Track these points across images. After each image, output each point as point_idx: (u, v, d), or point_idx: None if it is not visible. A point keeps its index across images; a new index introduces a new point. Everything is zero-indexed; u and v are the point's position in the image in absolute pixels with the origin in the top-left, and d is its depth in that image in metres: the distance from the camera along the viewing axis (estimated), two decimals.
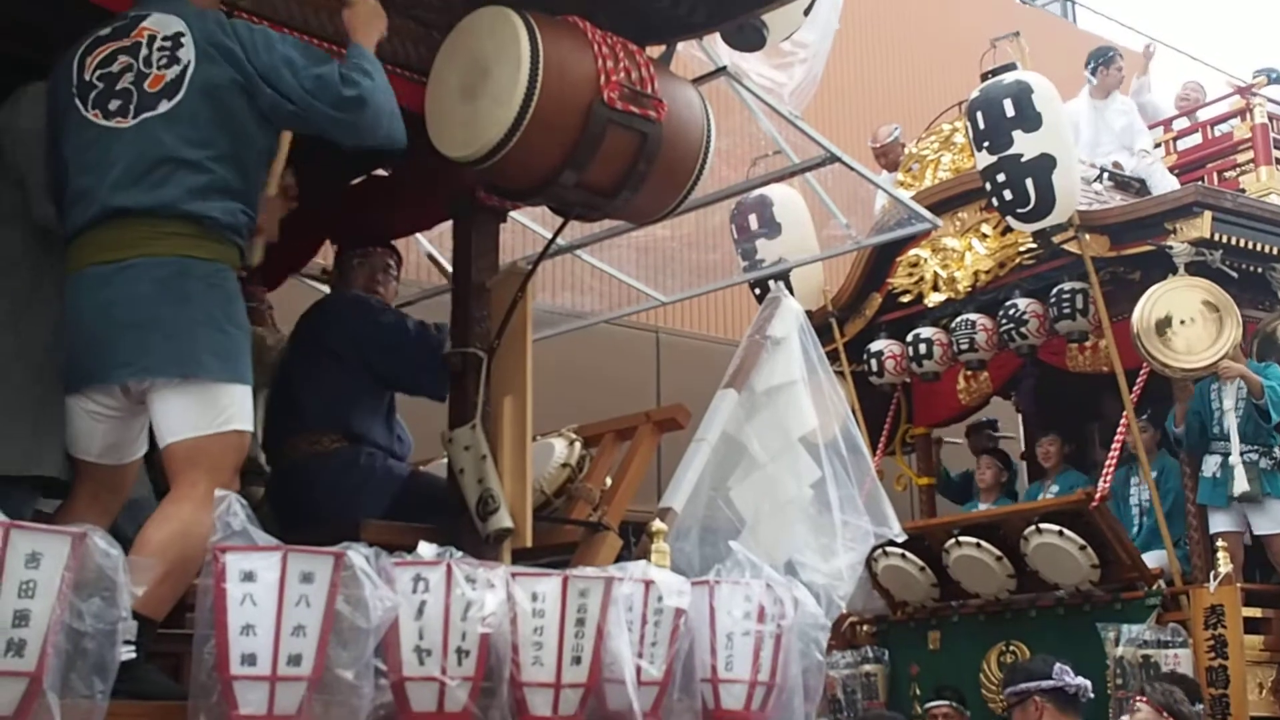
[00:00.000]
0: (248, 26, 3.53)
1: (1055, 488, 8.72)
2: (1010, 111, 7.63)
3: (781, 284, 5.74)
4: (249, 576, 2.80)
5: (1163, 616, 7.29)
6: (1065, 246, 7.95)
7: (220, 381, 3.28)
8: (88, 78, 3.40)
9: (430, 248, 6.48)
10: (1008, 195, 7.71)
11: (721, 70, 5.29)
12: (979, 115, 7.81)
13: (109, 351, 3.24)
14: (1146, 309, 7.51)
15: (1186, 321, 7.48)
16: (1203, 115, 10.06)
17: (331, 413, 4.66)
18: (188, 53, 3.38)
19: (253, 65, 3.42)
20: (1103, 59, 9.56)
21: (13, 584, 2.47)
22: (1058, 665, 5.49)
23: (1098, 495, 7.45)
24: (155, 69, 3.37)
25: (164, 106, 3.34)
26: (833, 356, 8.29)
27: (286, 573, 2.82)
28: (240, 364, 3.34)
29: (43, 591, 2.51)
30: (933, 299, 8.92)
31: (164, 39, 3.40)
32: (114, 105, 3.36)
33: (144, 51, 3.40)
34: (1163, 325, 7.48)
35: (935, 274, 8.91)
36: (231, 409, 3.29)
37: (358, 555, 2.96)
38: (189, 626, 3.04)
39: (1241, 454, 7.46)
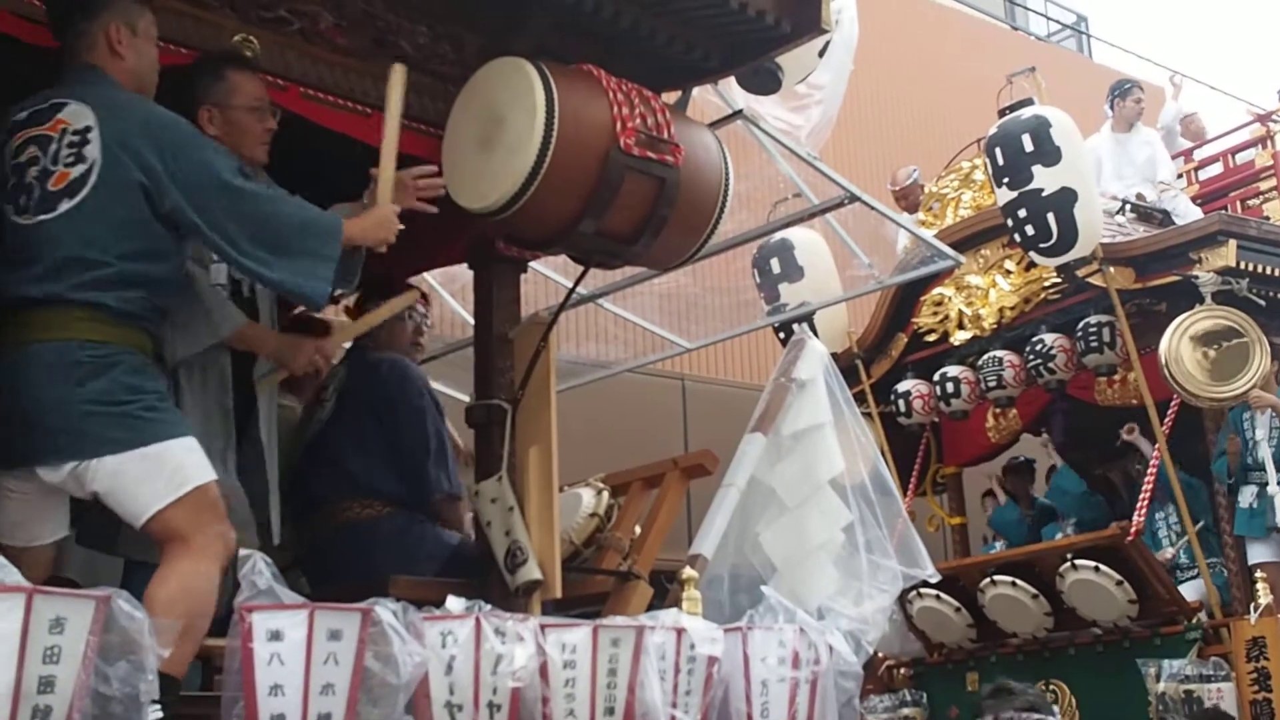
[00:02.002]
0: (171, 122, 3.43)
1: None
2: (1029, 146, 7.62)
3: (806, 326, 5.70)
4: (276, 635, 2.77)
5: (1204, 650, 7.19)
6: (1090, 280, 7.91)
7: (148, 445, 3.16)
8: (6, 170, 3.34)
9: (453, 301, 6.48)
10: (1030, 230, 7.68)
11: (738, 114, 5.28)
12: (998, 151, 7.80)
13: (16, 437, 3.17)
14: (1174, 340, 7.44)
15: (1215, 351, 7.41)
16: (1223, 144, 10.02)
17: (383, 478, 4.62)
18: (93, 150, 3.27)
19: (164, 166, 3.31)
20: (1119, 91, 9.58)
21: (37, 649, 2.45)
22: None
23: (1132, 529, 7.37)
24: (61, 166, 3.28)
25: (64, 206, 3.24)
26: (860, 398, 8.23)
27: (314, 630, 2.79)
28: (158, 424, 3.21)
29: (68, 657, 2.49)
30: (959, 337, 8.88)
31: (73, 133, 3.29)
32: (21, 200, 3.29)
33: (54, 146, 3.29)
34: (1191, 356, 7.41)
35: (960, 312, 8.87)
36: (181, 470, 3.18)
37: (385, 611, 2.93)
38: (218, 688, 3.01)
39: (1279, 483, 7.37)
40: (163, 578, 3.09)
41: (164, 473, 3.15)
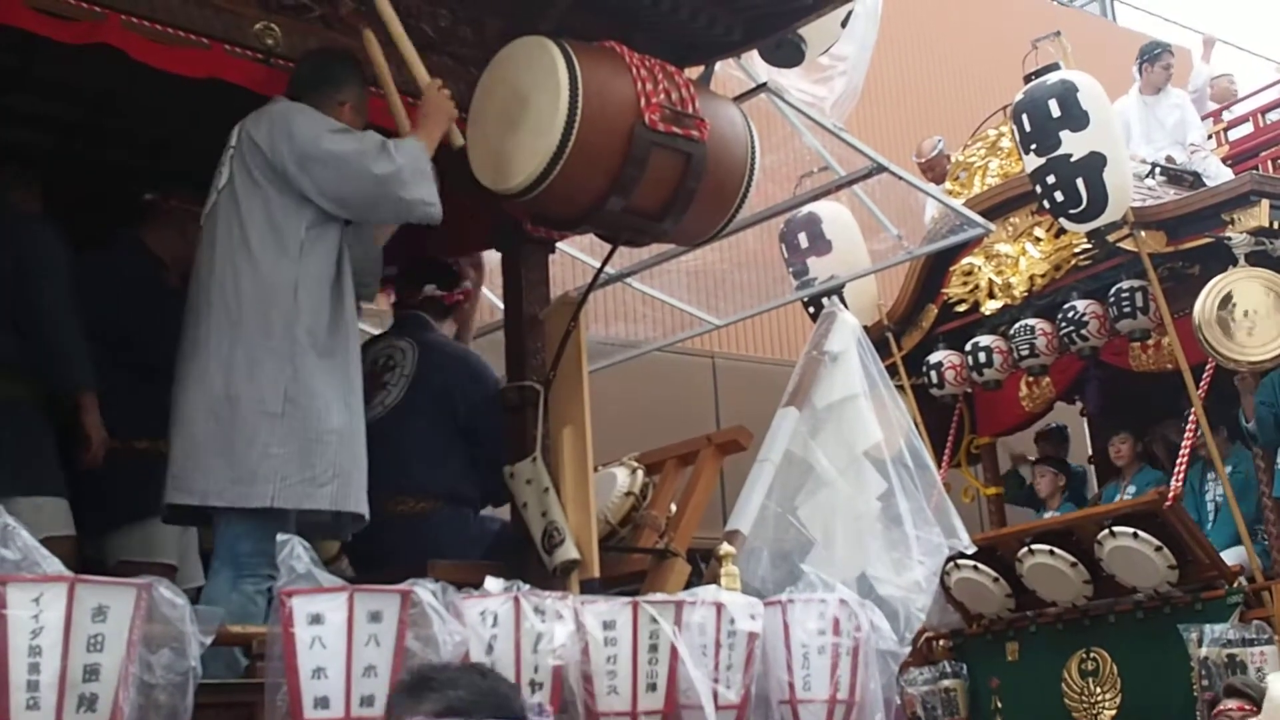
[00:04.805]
0: None
1: (1132, 488, 8.56)
2: (1056, 112, 7.55)
3: (836, 300, 5.68)
4: (316, 619, 2.78)
5: (1245, 614, 7.13)
6: (1121, 245, 7.84)
7: None
8: None
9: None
10: (1059, 196, 7.62)
11: (762, 87, 5.26)
12: (1025, 118, 7.73)
13: None
14: (1208, 303, 7.37)
15: (1250, 313, 7.34)
16: (1253, 104, 9.94)
17: (442, 477, 4.64)
18: None
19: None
20: (1148, 55, 9.50)
21: (81, 638, 2.46)
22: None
23: (1170, 495, 7.32)
24: None
25: None
26: (891, 371, 8.17)
27: (354, 613, 2.80)
28: None
29: (111, 645, 2.50)
30: (989, 306, 8.81)
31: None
32: None
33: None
34: (1226, 318, 7.35)
35: (990, 281, 8.81)
36: None
37: (425, 591, 2.94)
38: (259, 675, 3.02)
39: None
40: None
41: None
